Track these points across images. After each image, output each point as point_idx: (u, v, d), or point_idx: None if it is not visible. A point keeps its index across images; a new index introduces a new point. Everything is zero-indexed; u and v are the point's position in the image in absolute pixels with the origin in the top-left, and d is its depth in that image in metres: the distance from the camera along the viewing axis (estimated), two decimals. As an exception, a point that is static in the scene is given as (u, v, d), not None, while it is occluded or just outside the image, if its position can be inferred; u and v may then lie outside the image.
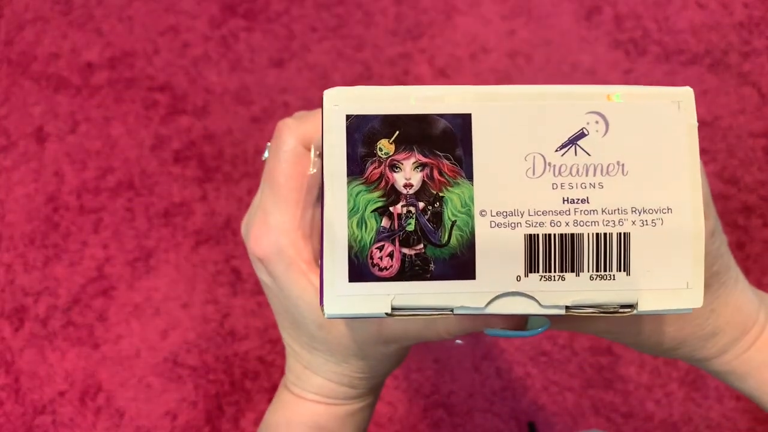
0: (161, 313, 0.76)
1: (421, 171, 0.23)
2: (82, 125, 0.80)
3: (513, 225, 0.23)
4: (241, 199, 0.79)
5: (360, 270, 0.23)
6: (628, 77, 0.81)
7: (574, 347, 0.75)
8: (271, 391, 0.74)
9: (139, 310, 0.76)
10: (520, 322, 0.28)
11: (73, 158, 0.79)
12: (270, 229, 0.29)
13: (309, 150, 0.29)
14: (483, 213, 0.23)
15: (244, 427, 0.74)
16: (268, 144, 0.30)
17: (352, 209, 0.23)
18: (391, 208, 0.23)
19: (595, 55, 0.82)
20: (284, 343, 0.33)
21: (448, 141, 0.23)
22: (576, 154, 0.23)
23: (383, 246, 0.23)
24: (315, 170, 0.29)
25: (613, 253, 0.23)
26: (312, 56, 0.82)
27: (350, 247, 0.23)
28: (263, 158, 0.31)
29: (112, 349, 0.75)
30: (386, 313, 0.23)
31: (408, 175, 0.23)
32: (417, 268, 0.23)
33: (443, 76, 0.81)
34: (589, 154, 0.23)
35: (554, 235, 0.23)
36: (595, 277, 0.23)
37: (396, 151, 0.23)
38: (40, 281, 0.77)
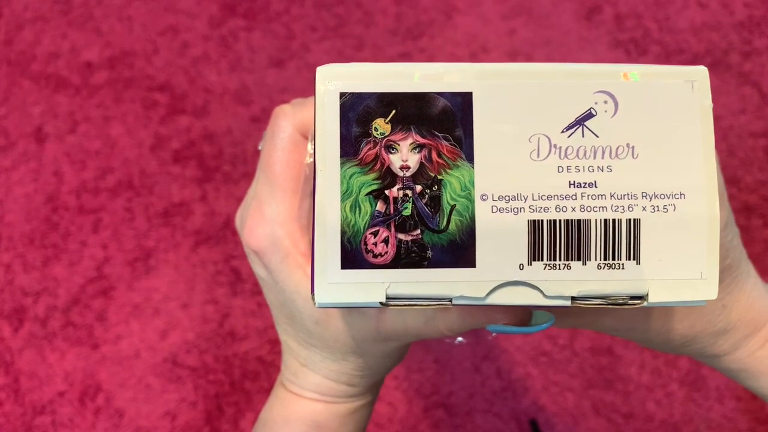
0: (161, 313, 0.76)
1: (418, 152, 0.21)
2: (81, 125, 0.80)
3: (516, 210, 0.21)
4: (241, 198, 0.78)
5: (353, 256, 0.21)
6: (628, 77, 0.81)
7: (574, 347, 0.75)
8: (271, 391, 0.73)
9: (138, 310, 0.76)
10: (524, 317, 0.27)
11: (73, 158, 0.79)
12: (265, 219, 0.28)
13: (306, 138, 0.28)
14: (484, 197, 0.21)
15: (243, 427, 0.74)
16: (265, 132, 0.29)
17: (345, 192, 0.21)
18: (386, 192, 0.22)
19: (596, 55, 0.82)
20: (280, 339, 0.32)
21: (447, 121, 0.21)
22: (583, 136, 0.22)
23: (378, 231, 0.22)
24: (312, 159, 0.28)
25: (622, 241, 0.21)
26: (312, 56, 0.82)
27: (343, 232, 0.21)
28: (259, 148, 0.30)
29: (111, 349, 0.75)
30: (380, 303, 0.22)
31: (405, 156, 0.21)
32: (413, 254, 0.22)
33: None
34: (597, 136, 0.22)
35: (560, 220, 0.21)
36: (602, 266, 0.21)
37: (392, 132, 0.21)
38: (39, 281, 0.76)
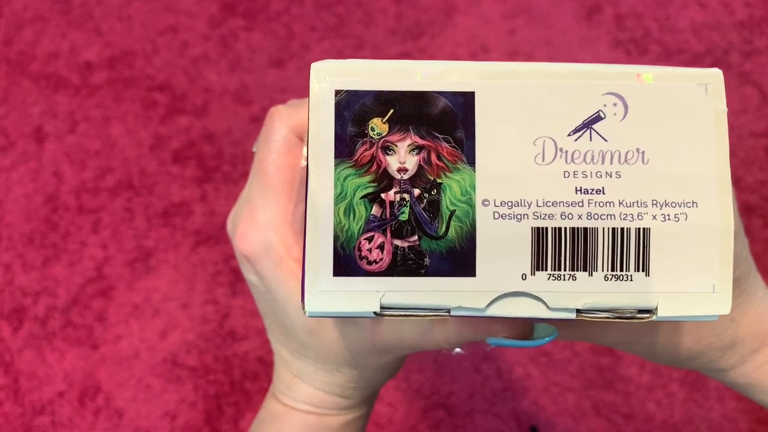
0: (160, 313, 0.76)
1: (417, 154, 0.20)
2: (81, 125, 0.80)
3: (519, 217, 0.20)
4: (241, 198, 0.78)
5: (346, 263, 0.20)
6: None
7: (574, 347, 0.75)
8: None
9: (138, 310, 0.76)
10: (525, 330, 0.26)
11: (72, 158, 0.79)
12: (258, 224, 0.27)
13: (302, 140, 0.27)
14: (486, 202, 0.20)
15: (243, 427, 0.74)
16: (260, 134, 0.28)
17: (339, 195, 0.20)
18: (382, 195, 0.20)
19: (596, 55, 0.82)
20: (273, 348, 0.31)
21: (448, 121, 0.20)
22: (591, 140, 0.20)
23: (373, 237, 0.20)
24: (307, 162, 0.27)
25: (630, 251, 0.20)
26: (312, 56, 0.82)
27: (336, 237, 0.20)
28: (253, 149, 0.29)
29: (111, 349, 0.75)
30: (375, 312, 0.20)
31: (402, 158, 0.20)
32: (410, 262, 0.20)
33: (443, 75, 0.81)
34: (605, 140, 0.20)
35: (565, 228, 0.20)
36: (610, 277, 0.20)
37: (390, 132, 0.20)
38: (39, 281, 0.76)
